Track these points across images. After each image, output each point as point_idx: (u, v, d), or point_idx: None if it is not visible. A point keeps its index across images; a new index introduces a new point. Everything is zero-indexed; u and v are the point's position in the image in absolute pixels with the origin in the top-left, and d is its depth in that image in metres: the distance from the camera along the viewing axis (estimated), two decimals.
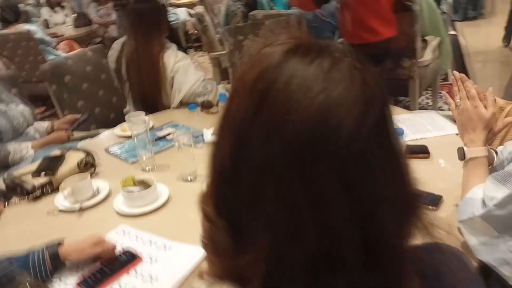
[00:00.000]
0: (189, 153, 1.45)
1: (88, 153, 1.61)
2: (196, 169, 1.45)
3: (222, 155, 0.47)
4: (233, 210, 0.46)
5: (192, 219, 1.22)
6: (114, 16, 5.31)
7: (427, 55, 3.03)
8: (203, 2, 4.60)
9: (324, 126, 0.40)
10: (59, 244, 1.06)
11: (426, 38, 3.13)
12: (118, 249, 1.10)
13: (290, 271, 0.43)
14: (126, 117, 1.93)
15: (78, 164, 1.55)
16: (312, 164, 0.40)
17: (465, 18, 6.10)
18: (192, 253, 1.08)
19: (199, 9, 3.88)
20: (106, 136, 1.99)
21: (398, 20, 2.78)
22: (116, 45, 2.22)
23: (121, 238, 1.18)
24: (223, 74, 3.78)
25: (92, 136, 2.05)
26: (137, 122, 1.86)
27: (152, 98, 2.13)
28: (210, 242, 0.51)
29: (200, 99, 2.07)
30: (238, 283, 0.47)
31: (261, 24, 2.64)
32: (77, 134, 2.11)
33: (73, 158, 1.59)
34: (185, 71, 2.09)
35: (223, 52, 3.78)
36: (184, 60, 2.10)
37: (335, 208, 0.41)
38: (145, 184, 1.35)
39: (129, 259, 1.08)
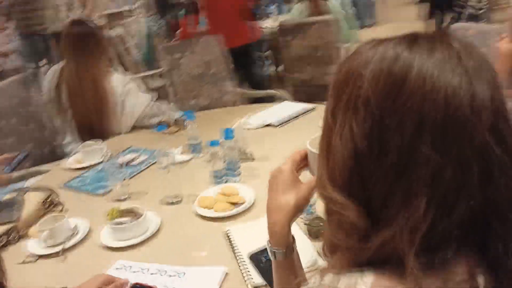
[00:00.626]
0: (165, 175, 1.39)
1: (51, 191, 1.47)
2: (181, 190, 1.40)
3: (353, 140, 0.49)
4: (371, 189, 0.48)
5: (189, 241, 1.19)
6: (14, 43, 4.86)
7: None
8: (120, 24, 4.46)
9: (455, 105, 0.44)
10: None
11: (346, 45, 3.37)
12: (129, 285, 1.03)
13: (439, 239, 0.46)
14: (79, 148, 1.79)
15: (43, 204, 1.41)
16: (451, 137, 0.44)
17: (363, 26, 6.66)
18: (211, 274, 1.04)
19: (119, 30, 3.74)
20: (54, 171, 1.83)
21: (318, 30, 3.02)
22: (52, 72, 2.06)
23: (124, 274, 1.09)
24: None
25: (34, 175, 1.88)
26: (95, 151, 1.75)
27: (100, 125, 2.01)
28: (340, 228, 0.51)
29: (154, 120, 2.01)
30: (372, 265, 0.48)
31: (196, 41, 2.64)
32: (16, 174, 1.91)
33: (33, 199, 1.44)
34: (136, 93, 2.01)
35: (150, 72, 3.69)
36: (132, 82, 2.02)
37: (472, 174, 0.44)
38: (133, 214, 1.27)
39: None
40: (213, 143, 1.41)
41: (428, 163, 0.45)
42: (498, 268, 0.48)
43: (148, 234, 1.24)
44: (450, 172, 0.44)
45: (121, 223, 1.23)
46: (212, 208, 1.30)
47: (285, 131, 1.85)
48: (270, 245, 0.73)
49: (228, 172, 1.44)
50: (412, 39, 0.49)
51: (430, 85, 0.45)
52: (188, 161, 1.65)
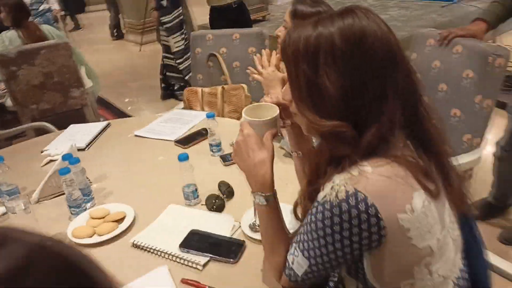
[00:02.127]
0: None
1: None
2: None
3: (339, 79, 0.75)
4: (356, 109, 0.77)
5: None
6: None
7: (89, 82, 3.26)
8: None
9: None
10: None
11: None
12: None
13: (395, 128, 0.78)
14: None
15: None
16: (394, 64, 0.78)
17: None
18: (158, 277, 1.06)
19: None
20: None
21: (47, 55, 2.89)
22: None
23: None
24: None
25: None
26: None
27: None
28: (337, 142, 0.78)
29: None
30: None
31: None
32: None
33: None
34: None
35: None
36: None
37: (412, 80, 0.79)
38: None
39: None
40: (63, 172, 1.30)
41: (390, 79, 0.76)
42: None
43: None
44: (402, 82, 0.77)
45: None
46: (95, 234, 1.23)
47: (94, 152, 1.81)
48: (260, 193, 0.89)
49: (84, 198, 1.36)
50: (350, 10, 0.79)
51: (379, 34, 0.76)
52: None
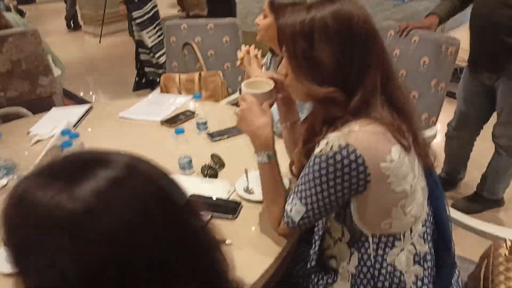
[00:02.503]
0: None
1: None
2: None
3: (333, 52, 0.91)
4: (347, 77, 0.94)
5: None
6: None
7: (57, 71, 3.25)
8: None
9: None
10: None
11: None
12: None
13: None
14: None
15: None
16: (375, 41, 0.95)
17: None
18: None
19: None
20: None
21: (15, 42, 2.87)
22: None
23: None
24: None
25: None
26: None
27: None
28: (331, 105, 0.95)
29: None
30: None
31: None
32: None
33: None
34: None
35: None
36: None
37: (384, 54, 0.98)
38: None
39: None
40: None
41: (372, 52, 0.93)
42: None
43: None
44: (380, 54, 0.95)
45: None
46: None
47: (82, 132, 1.88)
48: (264, 152, 1.04)
49: None
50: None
51: (362, 16, 0.93)
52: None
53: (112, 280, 0.44)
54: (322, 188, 0.96)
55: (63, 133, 1.45)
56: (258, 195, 1.25)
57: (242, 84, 1.12)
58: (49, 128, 1.86)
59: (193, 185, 1.38)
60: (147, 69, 4.12)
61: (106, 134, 1.85)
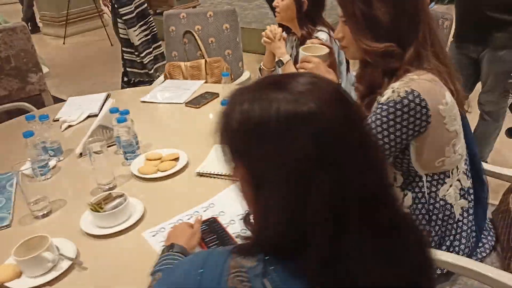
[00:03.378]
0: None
1: None
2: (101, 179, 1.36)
3: (386, 16, 1.07)
4: (401, 33, 1.08)
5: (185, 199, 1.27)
6: None
7: (45, 68, 3.21)
8: None
9: None
10: (173, 245, 0.99)
11: None
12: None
13: None
14: None
15: None
16: None
17: None
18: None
19: None
20: None
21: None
22: None
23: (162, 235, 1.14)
24: None
25: None
26: None
27: None
28: (385, 57, 1.09)
29: None
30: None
31: None
32: None
33: None
34: None
35: None
36: None
37: None
38: (112, 199, 1.21)
39: (212, 222, 1.15)
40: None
41: (421, 8, 1.09)
42: None
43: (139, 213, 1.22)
44: (426, 10, 1.11)
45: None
46: (158, 171, 1.41)
47: None
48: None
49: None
50: None
51: None
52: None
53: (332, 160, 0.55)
54: (389, 132, 1.10)
55: (112, 111, 1.51)
56: None
57: (300, 49, 1.25)
58: (75, 115, 1.89)
59: None
60: (129, 69, 4.07)
61: (135, 116, 1.90)
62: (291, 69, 1.75)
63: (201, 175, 1.39)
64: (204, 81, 2.27)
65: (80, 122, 1.86)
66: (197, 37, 2.62)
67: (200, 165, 1.43)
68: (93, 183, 1.38)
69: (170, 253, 0.96)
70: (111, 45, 6.00)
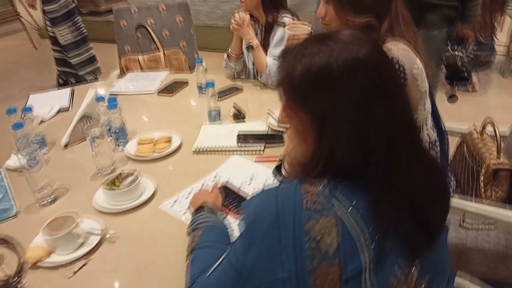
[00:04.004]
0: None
1: None
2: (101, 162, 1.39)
3: None
4: (379, 8, 1.25)
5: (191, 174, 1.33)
6: None
7: None
8: None
9: None
10: (203, 207, 1.07)
11: None
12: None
13: None
14: None
15: None
16: None
17: None
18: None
19: None
20: None
21: None
22: None
23: (180, 203, 1.21)
24: None
25: None
26: None
27: None
28: (368, 30, 1.26)
29: None
30: None
31: None
32: None
33: None
34: None
35: None
36: None
37: None
38: (124, 177, 1.25)
39: (224, 188, 1.24)
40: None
41: None
42: None
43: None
44: None
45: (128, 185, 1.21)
46: (154, 152, 1.46)
47: None
48: None
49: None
50: None
51: None
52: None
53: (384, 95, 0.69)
54: None
55: (98, 99, 1.52)
56: None
57: (286, 28, 1.38)
58: (45, 110, 1.85)
59: (232, 128, 1.58)
60: (60, 69, 3.92)
61: None
62: (260, 53, 1.86)
63: (198, 152, 1.47)
64: (168, 71, 2.32)
65: (53, 116, 1.83)
66: (150, 30, 2.64)
67: (195, 144, 1.50)
68: (89, 169, 1.40)
69: (203, 213, 1.04)
70: (35, 48, 5.68)
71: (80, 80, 3.90)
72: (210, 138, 1.53)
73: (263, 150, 1.44)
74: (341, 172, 0.71)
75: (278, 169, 1.06)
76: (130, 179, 1.23)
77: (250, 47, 1.86)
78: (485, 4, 2.72)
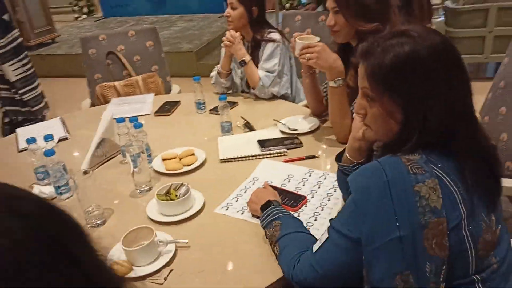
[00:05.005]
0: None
1: None
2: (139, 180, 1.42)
3: (372, 2, 1.45)
4: (383, 16, 1.47)
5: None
6: None
7: None
8: None
9: None
10: (270, 201, 1.17)
11: None
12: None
13: None
14: None
15: None
16: None
17: None
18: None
19: None
20: None
21: None
22: None
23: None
24: None
25: None
26: None
27: None
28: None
29: None
30: None
31: None
32: None
33: None
34: None
35: None
36: None
37: None
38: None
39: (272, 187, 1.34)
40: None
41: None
42: None
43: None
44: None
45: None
46: (183, 167, 1.52)
47: (80, 137, 1.89)
48: (338, 79, 1.47)
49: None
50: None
51: None
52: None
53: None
54: None
55: (119, 120, 1.54)
56: (300, 129, 1.69)
57: (297, 39, 1.53)
58: (42, 142, 1.80)
59: (249, 136, 1.69)
60: (8, 108, 3.71)
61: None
62: (253, 67, 2.00)
63: (225, 161, 1.55)
64: (152, 94, 2.36)
65: (54, 146, 1.79)
66: (121, 56, 2.66)
67: (219, 155, 1.58)
68: (123, 188, 1.42)
69: (273, 206, 1.14)
70: None
71: (31, 116, 3.73)
72: (232, 148, 1.61)
73: (287, 152, 1.56)
74: (429, 144, 0.86)
75: (339, 156, 1.19)
76: (183, 189, 1.28)
77: (243, 62, 1.98)
78: None
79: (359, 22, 1.45)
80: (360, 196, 0.86)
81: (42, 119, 3.89)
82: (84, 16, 7.70)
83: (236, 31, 2.04)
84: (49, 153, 1.37)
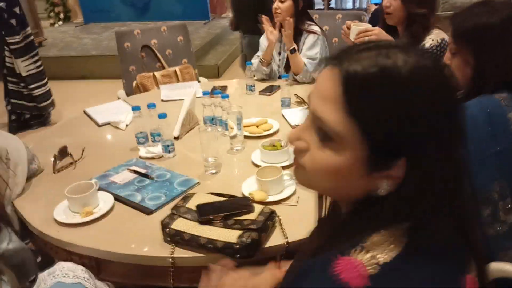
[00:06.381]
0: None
1: None
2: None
3: None
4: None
5: None
6: None
7: None
8: None
9: None
10: None
11: None
12: None
13: None
14: None
15: None
16: None
17: None
18: None
19: None
20: None
21: None
22: None
23: None
24: None
25: None
26: None
27: None
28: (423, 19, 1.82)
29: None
30: None
31: None
32: None
33: None
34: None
35: None
36: None
37: None
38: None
39: None
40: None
41: None
42: None
43: None
44: None
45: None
46: (263, 130, 1.78)
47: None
48: None
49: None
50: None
51: None
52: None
53: None
54: None
55: (204, 93, 1.78)
56: None
57: (353, 25, 1.84)
58: (122, 117, 1.98)
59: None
60: (14, 101, 3.78)
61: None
62: (298, 55, 2.27)
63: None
64: (197, 82, 2.60)
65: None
66: (155, 50, 2.86)
67: (291, 121, 1.85)
68: (218, 149, 1.65)
69: None
70: None
71: (36, 112, 3.80)
72: (297, 117, 1.89)
73: None
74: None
75: None
76: (282, 143, 1.55)
77: (293, 50, 2.25)
78: None
79: (412, 5, 1.79)
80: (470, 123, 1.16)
81: (48, 116, 3.99)
82: (60, 23, 7.65)
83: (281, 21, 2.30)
84: (162, 116, 1.58)
